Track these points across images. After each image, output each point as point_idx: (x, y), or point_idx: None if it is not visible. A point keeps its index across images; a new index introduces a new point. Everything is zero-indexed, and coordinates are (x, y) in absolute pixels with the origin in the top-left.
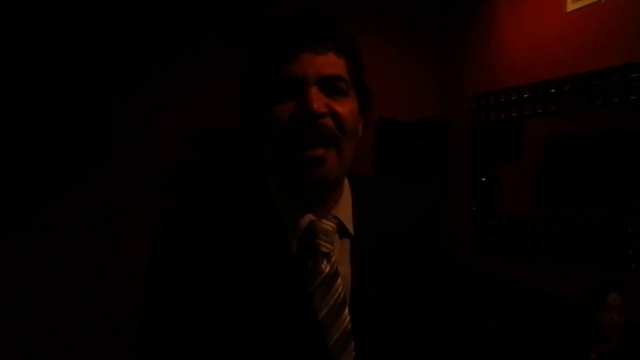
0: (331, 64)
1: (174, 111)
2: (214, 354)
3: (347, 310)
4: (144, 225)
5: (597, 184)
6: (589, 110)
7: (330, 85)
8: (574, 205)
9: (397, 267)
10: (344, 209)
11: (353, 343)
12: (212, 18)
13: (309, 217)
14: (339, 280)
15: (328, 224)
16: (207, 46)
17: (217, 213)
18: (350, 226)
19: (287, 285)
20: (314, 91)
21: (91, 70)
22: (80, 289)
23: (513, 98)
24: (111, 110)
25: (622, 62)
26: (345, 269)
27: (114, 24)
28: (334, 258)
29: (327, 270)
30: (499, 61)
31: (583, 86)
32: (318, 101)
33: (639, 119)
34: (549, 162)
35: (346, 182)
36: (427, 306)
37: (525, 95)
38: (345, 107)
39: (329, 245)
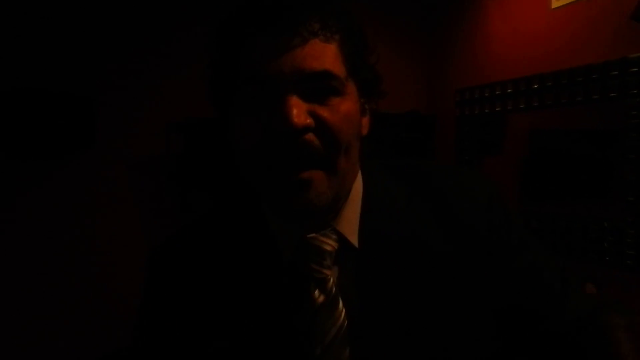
0: (316, 54)
1: (161, 98)
2: None
3: (347, 351)
4: (128, 214)
5: (576, 179)
6: (570, 106)
7: (316, 85)
8: (552, 200)
9: (427, 285)
10: (349, 216)
11: None
12: (198, 2)
13: (301, 232)
14: (339, 310)
15: (325, 242)
16: (193, 31)
17: (205, 233)
18: (355, 238)
19: (274, 318)
20: (292, 98)
21: (76, 56)
22: (62, 279)
23: (497, 93)
24: (96, 97)
25: (602, 60)
26: (351, 294)
27: (98, 10)
28: (330, 283)
29: (320, 299)
30: (484, 56)
31: (564, 82)
32: (298, 111)
33: (616, 116)
34: (531, 157)
35: (358, 176)
36: (473, 333)
37: (509, 90)
38: (338, 113)
39: (323, 270)
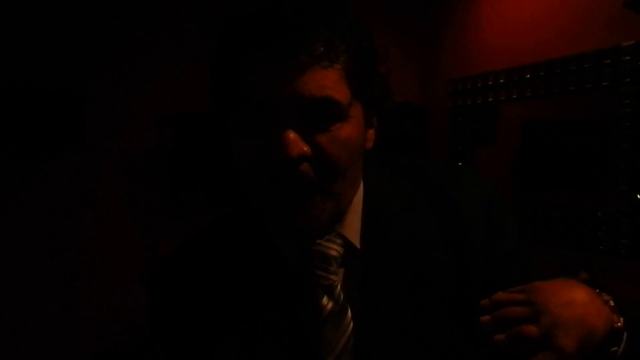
0: (318, 79)
1: (151, 93)
2: None
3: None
4: (119, 211)
5: (569, 168)
6: (563, 96)
7: (316, 111)
8: (546, 190)
9: (429, 287)
10: (352, 220)
11: None
12: None
13: (304, 239)
14: (348, 317)
15: (330, 247)
16: (183, 26)
17: (208, 249)
18: (358, 241)
19: (284, 329)
20: (289, 126)
21: (64, 52)
22: (52, 276)
23: (489, 83)
24: (86, 93)
25: (595, 49)
26: (356, 298)
27: (86, 5)
28: (338, 290)
29: (329, 306)
30: (476, 46)
31: (557, 72)
32: (294, 139)
33: (610, 105)
34: (524, 147)
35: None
36: (472, 336)
37: (501, 81)
38: (338, 139)
39: (330, 276)
